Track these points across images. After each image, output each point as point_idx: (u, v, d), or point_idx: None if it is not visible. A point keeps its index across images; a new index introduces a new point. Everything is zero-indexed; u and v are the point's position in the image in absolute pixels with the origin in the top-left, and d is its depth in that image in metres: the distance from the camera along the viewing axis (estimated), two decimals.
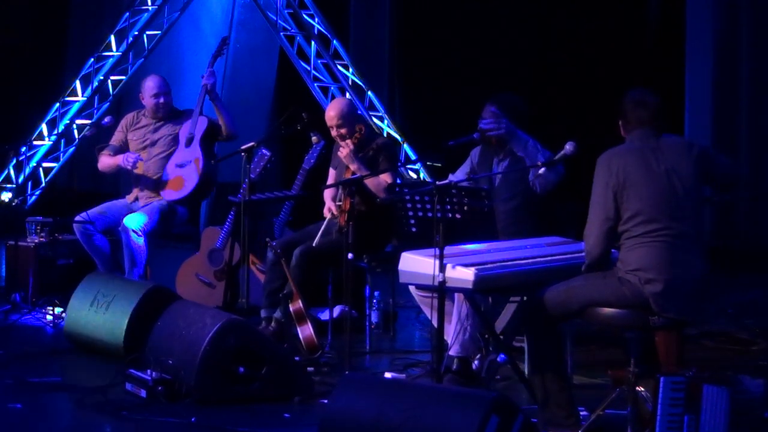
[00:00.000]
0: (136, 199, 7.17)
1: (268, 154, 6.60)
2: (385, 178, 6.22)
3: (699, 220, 4.61)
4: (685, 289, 4.47)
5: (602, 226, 4.53)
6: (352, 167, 6.25)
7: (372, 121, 10.29)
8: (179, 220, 7.19)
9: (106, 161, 7.28)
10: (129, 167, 7.07)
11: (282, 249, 6.19)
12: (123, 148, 7.29)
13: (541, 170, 5.23)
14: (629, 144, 4.62)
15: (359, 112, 10.04)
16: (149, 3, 11.06)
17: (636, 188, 4.47)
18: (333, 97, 10.38)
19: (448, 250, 4.62)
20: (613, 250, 4.62)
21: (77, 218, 6.98)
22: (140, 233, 6.81)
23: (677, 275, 4.44)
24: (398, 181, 7.29)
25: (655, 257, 4.43)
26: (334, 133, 6.44)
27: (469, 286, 4.59)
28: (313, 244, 6.27)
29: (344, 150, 6.26)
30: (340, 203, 6.10)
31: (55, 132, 11.25)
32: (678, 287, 4.44)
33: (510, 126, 5.52)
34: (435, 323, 4.68)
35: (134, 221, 6.84)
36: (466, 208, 4.87)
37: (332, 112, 6.45)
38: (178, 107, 7.45)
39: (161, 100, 7.19)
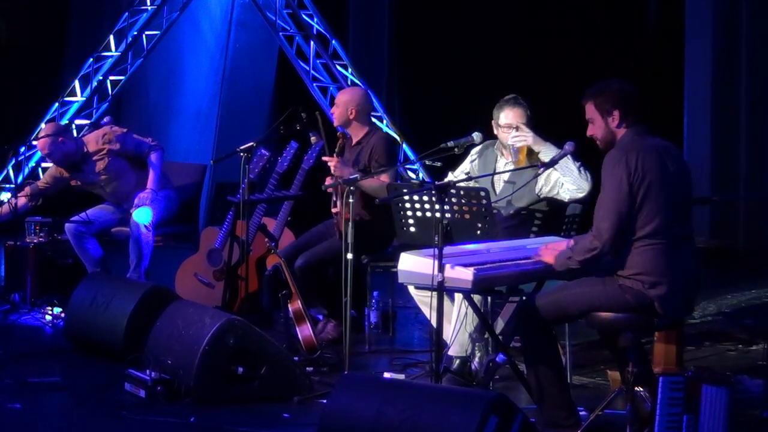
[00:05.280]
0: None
1: (267, 154, 6.60)
2: (383, 178, 6.20)
3: (691, 221, 4.60)
4: (686, 289, 4.48)
5: (619, 219, 4.34)
6: (345, 175, 6.20)
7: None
8: (176, 205, 7.25)
9: None
10: None
11: (286, 257, 6.18)
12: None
13: (564, 180, 5.24)
14: (632, 139, 4.44)
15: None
16: (148, 3, 11.06)
17: (653, 190, 4.36)
18: (332, 98, 10.38)
19: (448, 250, 4.61)
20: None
21: (73, 219, 7.01)
22: (149, 227, 6.91)
23: (678, 277, 4.43)
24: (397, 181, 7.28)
25: (658, 261, 4.39)
26: None
27: (468, 286, 4.58)
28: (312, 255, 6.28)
29: (331, 163, 6.18)
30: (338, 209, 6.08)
31: None
32: (680, 289, 4.45)
33: (535, 136, 5.48)
34: (434, 323, 4.68)
35: (143, 216, 6.93)
36: (465, 207, 4.85)
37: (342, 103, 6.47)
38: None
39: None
